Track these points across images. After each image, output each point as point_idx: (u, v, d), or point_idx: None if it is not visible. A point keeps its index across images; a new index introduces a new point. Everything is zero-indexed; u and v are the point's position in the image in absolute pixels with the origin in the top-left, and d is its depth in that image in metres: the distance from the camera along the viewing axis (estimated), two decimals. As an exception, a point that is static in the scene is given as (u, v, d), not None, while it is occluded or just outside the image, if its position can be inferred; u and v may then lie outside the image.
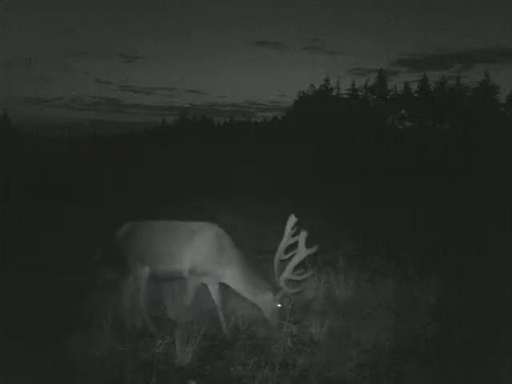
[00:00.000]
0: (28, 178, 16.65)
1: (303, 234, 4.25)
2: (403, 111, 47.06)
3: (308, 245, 4.29)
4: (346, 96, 50.28)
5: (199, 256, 4.30)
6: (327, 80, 50.56)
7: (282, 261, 4.37)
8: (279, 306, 4.30)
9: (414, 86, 46.93)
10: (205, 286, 5.11)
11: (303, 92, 54.13)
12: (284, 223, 4.37)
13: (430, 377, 3.83)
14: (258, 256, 6.82)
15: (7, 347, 3.81)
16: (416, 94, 46.18)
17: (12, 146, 35.19)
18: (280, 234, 4.36)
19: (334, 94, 50.71)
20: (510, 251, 6.85)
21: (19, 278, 5.53)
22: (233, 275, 4.37)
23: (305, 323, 4.82)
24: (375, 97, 48.36)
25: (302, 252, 4.27)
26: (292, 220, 4.31)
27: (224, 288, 4.65)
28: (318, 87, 51.62)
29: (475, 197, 14.44)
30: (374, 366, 4.00)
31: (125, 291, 4.71)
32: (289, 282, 4.36)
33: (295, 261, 4.28)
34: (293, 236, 4.34)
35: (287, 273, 4.27)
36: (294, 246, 4.34)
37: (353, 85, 49.95)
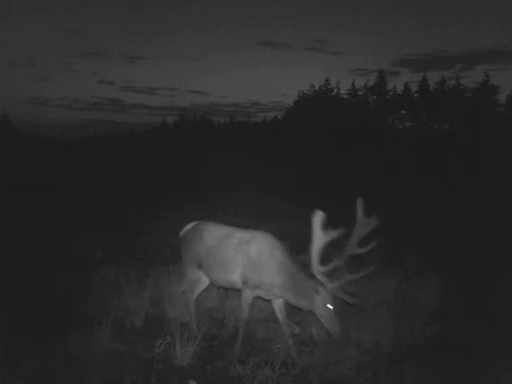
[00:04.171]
0: (28, 178, 16.66)
1: (318, 215, 3.68)
2: (403, 111, 47.04)
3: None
4: (346, 96, 50.29)
5: (250, 268, 4.09)
6: (327, 80, 50.57)
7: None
8: (330, 307, 3.76)
9: (414, 87, 46.96)
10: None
11: (303, 92, 54.18)
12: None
13: (430, 377, 3.83)
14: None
15: (7, 347, 3.81)
16: (416, 94, 46.16)
17: (13, 146, 35.18)
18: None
19: (334, 94, 50.69)
20: (510, 251, 6.86)
21: (19, 278, 5.52)
22: (283, 286, 4.01)
23: (305, 323, 4.82)
24: (375, 97, 48.34)
25: (318, 236, 3.71)
26: (319, 216, 3.69)
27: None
28: (318, 87, 51.68)
29: (475, 197, 14.43)
30: (373, 366, 4.00)
31: (190, 295, 4.62)
32: (329, 272, 3.77)
33: (314, 249, 3.75)
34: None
35: (314, 266, 3.76)
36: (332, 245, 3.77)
37: (353, 85, 49.96)
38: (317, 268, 3.75)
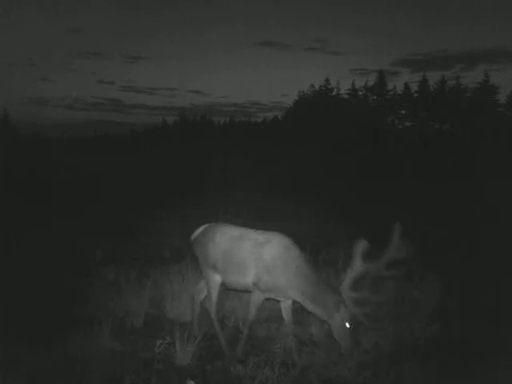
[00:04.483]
0: (28, 178, 16.65)
1: (362, 244, 3.77)
2: (403, 111, 47.01)
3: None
4: (346, 96, 50.25)
5: (263, 270, 4.01)
6: (327, 80, 50.54)
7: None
8: (347, 325, 3.81)
9: (414, 87, 46.92)
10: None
11: (303, 92, 54.18)
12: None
13: (430, 377, 3.83)
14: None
15: (7, 347, 3.81)
16: (416, 94, 46.14)
17: (13, 146, 35.16)
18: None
19: (334, 94, 50.65)
20: (510, 251, 6.85)
21: (19, 278, 5.52)
22: (299, 291, 3.98)
23: (305, 323, 4.82)
24: (375, 97, 48.31)
25: (357, 265, 3.78)
26: (362, 245, 3.77)
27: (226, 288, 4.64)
28: (318, 87, 51.65)
29: (475, 197, 14.44)
30: (373, 366, 4.00)
31: (196, 296, 4.57)
32: (356, 299, 3.83)
33: (350, 275, 3.81)
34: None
35: (344, 289, 3.82)
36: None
37: (353, 85, 49.92)
38: (347, 293, 3.81)
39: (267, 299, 5.03)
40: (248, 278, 4.11)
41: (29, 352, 3.77)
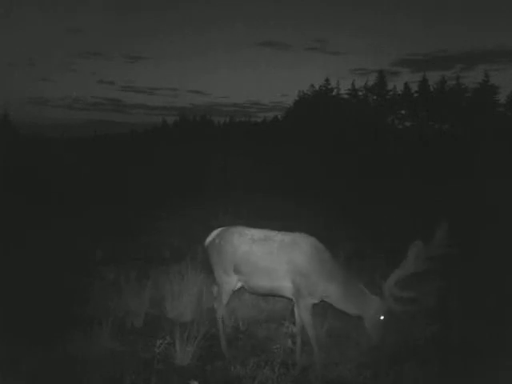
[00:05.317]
0: (28, 178, 16.64)
1: (418, 244, 3.86)
2: (403, 111, 47.03)
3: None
4: (346, 96, 50.27)
5: (299, 275, 3.90)
6: (327, 80, 50.56)
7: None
8: (381, 318, 3.89)
9: (414, 87, 46.94)
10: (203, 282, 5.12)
11: (303, 92, 54.22)
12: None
13: (430, 377, 3.83)
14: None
15: (7, 347, 3.81)
16: (416, 94, 46.15)
17: (13, 146, 35.15)
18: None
19: (334, 94, 50.67)
20: (510, 251, 6.85)
21: (19, 278, 5.52)
22: (336, 292, 3.95)
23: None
24: (375, 97, 48.32)
25: (409, 265, 3.85)
26: (417, 246, 3.86)
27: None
28: (318, 87, 51.67)
29: (475, 197, 14.44)
30: (373, 366, 3.99)
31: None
32: (399, 297, 3.88)
33: (399, 273, 3.86)
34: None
35: (388, 286, 3.86)
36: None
37: (353, 85, 49.94)
38: (391, 289, 3.86)
39: (265, 299, 5.02)
40: (279, 282, 3.99)
41: (29, 352, 3.77)
